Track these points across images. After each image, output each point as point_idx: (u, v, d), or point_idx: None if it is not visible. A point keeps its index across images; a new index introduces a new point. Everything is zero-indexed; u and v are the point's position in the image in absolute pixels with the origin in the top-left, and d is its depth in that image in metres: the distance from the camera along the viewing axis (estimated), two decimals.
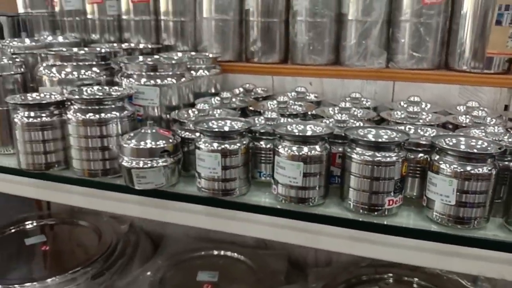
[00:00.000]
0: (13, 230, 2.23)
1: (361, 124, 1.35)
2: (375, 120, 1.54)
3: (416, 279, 1.88)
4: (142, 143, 1.29)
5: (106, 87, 1.49)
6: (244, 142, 1.26)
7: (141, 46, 2.03)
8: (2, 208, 2.39)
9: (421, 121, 1.48)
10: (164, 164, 1.30)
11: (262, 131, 1.35)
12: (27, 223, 2.25)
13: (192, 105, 1.64)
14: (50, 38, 2.13)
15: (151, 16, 2.12)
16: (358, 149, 1.16)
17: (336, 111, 1.55)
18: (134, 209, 1.44)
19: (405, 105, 1.68)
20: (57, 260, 2.06)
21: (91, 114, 1.36)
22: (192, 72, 1.76)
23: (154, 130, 1.33)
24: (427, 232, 1.14)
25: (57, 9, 2.28)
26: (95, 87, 1.49)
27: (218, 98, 1.68)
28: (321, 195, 1.22)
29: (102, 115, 1.37)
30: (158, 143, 1.29)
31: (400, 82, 1.80)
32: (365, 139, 1.15)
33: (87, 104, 1.37)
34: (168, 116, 1.56)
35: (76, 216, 2.37)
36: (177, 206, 1.36)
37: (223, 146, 1.24)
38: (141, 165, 1.28)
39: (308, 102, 1.69)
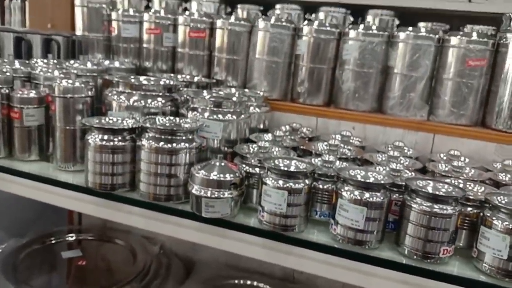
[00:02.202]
0: (50, 242, 2.29)
1: (413, 175, 1.46)
2: (419, 169, 1.65)
3: None
4: (213, 174, 1.39)
5: (176, 118, 1.60)
6: (308, 182, 1.37)
7: (196, 79, 2.16)
8: (36, 219, 2.48)
9: (464, 175, 1.58)
10: (231, 196, 1.39)
11: (320, 172, 1.46)
12: (65, 236, 2.32)
13: (247, 140, 1.75)
14: (107, 62, 2.26)
15: (205, 52, 2.26)
16: (418, 199, 1.26)
17: (384, 159, 1.67)
18: (192, 235, 1.53)
19: (444, 157, 1.80)
20: (94, 276, 2.13)
21: (163, 143, 1.47)
22: None
23: (223, 163, 1.43)
24: (477, 282, 1.23)
25: (113, 34, 2.42)
26: (166, 118, 1.60)
27: (270, 136, 1.78)
28: (378, 240, 1.31)
29: (174, 144, 1.47)
30: (228, 175, 1.39)
31: (440, 135, 1.91)
32: (426, 190, 1.25)
33: (161, 134, 1.47)
34: (226, 148, 1.67)
35: (108, 233, 2.44)
36: (236, 236, 1.45)
37: (288, 184, 1.34)
38: (210, 194, 1.38)
39: (355, 147, 1.80)
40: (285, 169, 1.35)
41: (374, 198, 1.27)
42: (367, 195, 1.28)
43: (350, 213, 1.28)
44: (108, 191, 1.56)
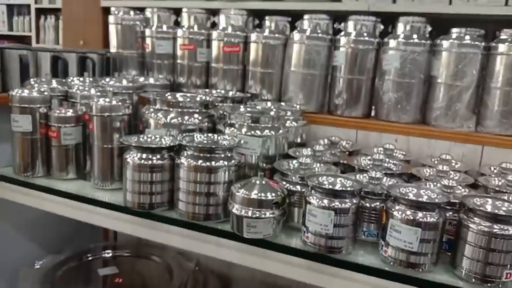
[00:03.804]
0: (86, 259, 2.28)
1: (467, 191, 1.37)
2: (470, 185, 1.55)
3: None
4: (254, 193, 1.34)
5: (214, 135, 1.57)
6: (355, 201, 1.30)
7: (231, 94, 2.13)
8: (72, 234, 2.48)
9: None
10: (273, 215, 1.34)
11: (367, 189, 1.38)
12: (101, 253, 2.31)
13: (285, 156, 1.70)
14: (142, 79, 2.25)
15: (239, 66, 2.23)
16: (476, 218, 1.17)
17: (432, 173, 1.58)
18: (232, 255, 1.48)
19: (495, 171, 1.69)
20: None
21: (202, 161, 1.43)
22: None
23: (264, 181, 1.38)
24: None
25: (147, 51, 2.43)
26: (204, 135, 1.56)
27: (309, 151, 1.72)
28: (433, 262, 1.23)
29: (213, 162, 1.43)
30: (270, 194, 1.34)
31: (489, 146, 1.80)
32: (485, 209, 1.16)
33: (199, 151, 1.44)
34: (265, 165, 1.62)
35: (144, 249, 2.42)
36: (278, 257, 1.39)
37: (335, 204, 1.27)
38: (251, 214, 1.33)
39: (399, 161, 1.71)
40: (331, 187, 1.29)
41: (429, 218, 1.19)
42: (420, 215, 1.20)
43: (402, 234, 1.20)
44: (146, 210, 1.54)
